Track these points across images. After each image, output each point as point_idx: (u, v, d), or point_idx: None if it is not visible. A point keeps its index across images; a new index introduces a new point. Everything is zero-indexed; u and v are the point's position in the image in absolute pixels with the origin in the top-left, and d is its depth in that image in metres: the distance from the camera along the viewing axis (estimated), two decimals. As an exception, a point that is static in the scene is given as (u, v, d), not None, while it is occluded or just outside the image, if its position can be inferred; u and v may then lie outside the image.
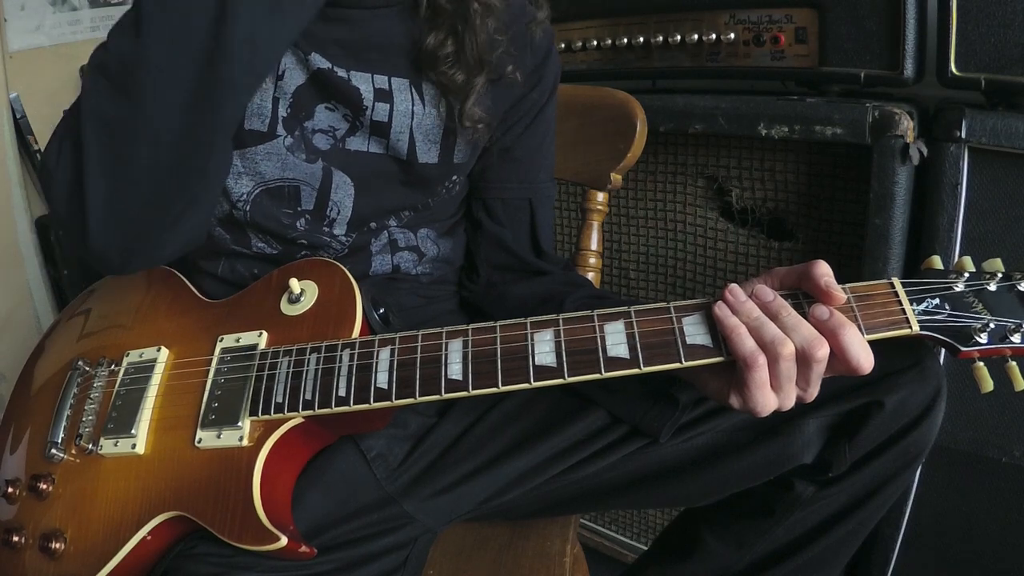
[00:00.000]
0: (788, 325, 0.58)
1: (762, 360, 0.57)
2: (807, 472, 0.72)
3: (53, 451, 0.70)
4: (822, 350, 0.57)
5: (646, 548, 1.27)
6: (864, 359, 0.57)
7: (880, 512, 0.75)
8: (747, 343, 0.58)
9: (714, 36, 1.15)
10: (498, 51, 0.79)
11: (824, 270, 0.60)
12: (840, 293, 0.59)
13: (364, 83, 0.78)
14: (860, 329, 0.59)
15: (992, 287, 0.61)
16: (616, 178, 1.02)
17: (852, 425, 0.69)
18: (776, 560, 0.78)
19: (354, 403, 0.63)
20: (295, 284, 0.73)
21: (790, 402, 0.59)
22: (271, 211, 0.81)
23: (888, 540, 1.13)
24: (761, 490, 0.74)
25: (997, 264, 0.64)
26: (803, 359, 0.57)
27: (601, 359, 0.60)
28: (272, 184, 0.79)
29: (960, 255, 1.01)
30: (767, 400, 0.58)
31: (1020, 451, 1.02)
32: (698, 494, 0.77)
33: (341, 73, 0.77)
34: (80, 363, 0.76)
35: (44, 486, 0.69)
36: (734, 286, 0.61)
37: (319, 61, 0.76)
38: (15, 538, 0.68)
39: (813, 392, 0.59)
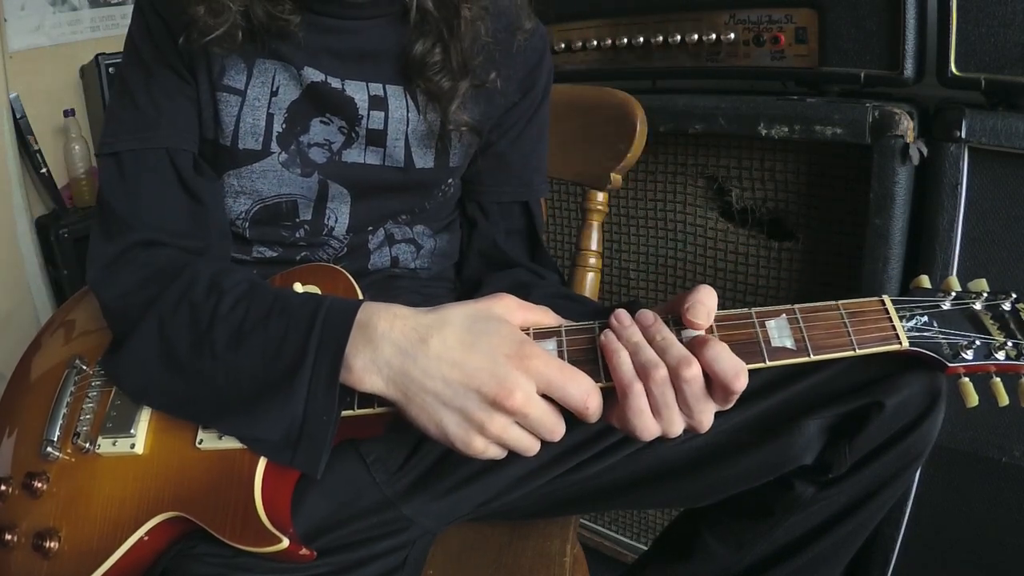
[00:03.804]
0: (661, 348, 0.58)
1: (638, 388, 0.57)
2: (807, 473, 0.72)
3: (49, 449, 0.70)
4: (689, 370, 0.56)
5: (646, 548, 1.27)
6: (732, 376, 0.56)
7: (880, 513, 0.75)
8: (625, 369, 0.58)
9: (714, 36, 1.15)
10: (480, 57, 0.79)
11: (696, 297, 0.60)
12: (700, 320, 0.59)
13: (359, 92, 0.78)
14: (852, 344, 0.61)
15: (977, 306, 0.65)
16: (616, 178, 1.02)
17: (852, 426, 0.69)
18: (776, 561, 0.78)
19: (358, 407, 0.63)
20: (299, 288, 0.73)
21: (675, 428, 0.58)
22: (270, 226, 0.82)
23: (888, 540, 1.13)
24: (761, 491, 0.74)
25: (982, 284, 0.67)
26: (674, 380, 0.57)
27: (602, 371, 0.61)
28: (270, 201, 0.80)
29: (960, 255, 1.01)
30: (646, 426, 0.58)
31: (1020, 451, 1.02)
32: (698, 495, 0.77)
33: (335, 84, 0.77)
34: (77, 361, 0.76)
35: (38, 484, 0.68)
36: (620, 311, 0.61)
37: (312, 75, 0.77)
38: (7, 536, 0.67)
39: (702, 419, 0.58)
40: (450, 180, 0.87)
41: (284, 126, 0.78)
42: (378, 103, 0.79)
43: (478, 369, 0.57)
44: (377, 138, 0.80)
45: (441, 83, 0.77)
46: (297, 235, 0.82)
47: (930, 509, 1.10)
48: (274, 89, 0.77)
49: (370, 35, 0.78)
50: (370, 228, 0.85)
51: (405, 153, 0.81)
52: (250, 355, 0.63)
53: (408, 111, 0.80)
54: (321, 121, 0.79)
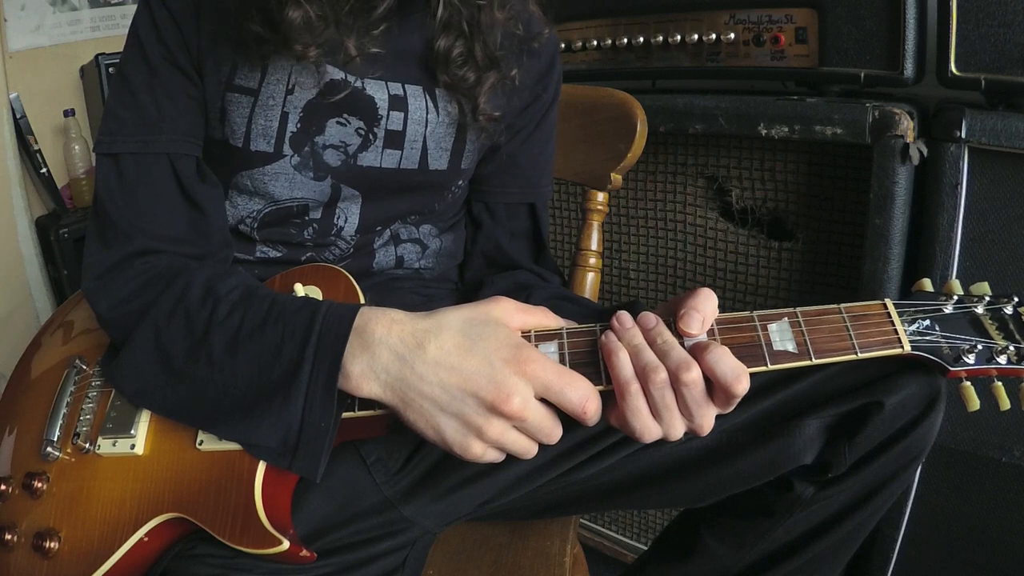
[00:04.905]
0: (662, 351, 0.58)
1: (635, 388, 0.57)
2: (807, 473, 0.72)
3: (49, 449, 0.70)
4: (689, 373, 0.56)
5: (646, 548, 1.27)
6: (733, 379, 0.56)
7: (880, 512, 0.75)
8: (624, 369, 0.58)
9: (714, 36, 1.15)
10: (505, 53, 0.79)
11: (691, 303, 0.59)
12: (692, 329, 0.59)
13: (379, 91, 0.77)
14: (854, 347, 0.61)
15: (979, 310, 0.65)
16: (616, 178, 1.02)
17: (852, 426, 0.69)
18: (776, 560, 0.78)
19: (359, 409, 0.63)
20: (299, 289, 0.72)
21: (676, 431, 0.58)
22: (279, 227, 0.81)
23: (888, 540, 1.13)
24: (761, 491, 0.74)
25: (984, 288, 0.67)
26: (674, 383, 0.57)
27: (603, 374, 0.61)
28: (282, 204, 0.79)
29: (960, 255, 1.01)
30: (645, 426, 0.58)
31: (1020, 451, 1.02)
32: (698, 495, 0.77)
33: (355, 83, 0.76)
34: (77, 361, 0.76)
35: (39, 484, 0.69)
36: (622, 313, 0.61)
37: (332, 72, 0.75)
38: (7, 536, 0.67)
39: (702, 423, 0.58)
40: (460, 181, 0.87)
41: (299, 126, 0.76)
42: (398, 103, 0.78)
43: (475, 374, 0.57)
44: (395, 139, 0.79)
45: (466, 75, 0.77)
46: (305, 234, 0.81)
47: (930, 509, 1.10)
48: (290, 87, 0.75)
49: (393, 34, 0.77)
50: (378, 228, 0.85)
51: (421, 155, 0.81)
52: (247, 362, 0.63)
53: (427, 112, 0.80)
54: (338, 122, 0.77)
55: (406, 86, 0.79)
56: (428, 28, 0.77)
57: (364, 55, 0.72)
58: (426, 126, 0.80)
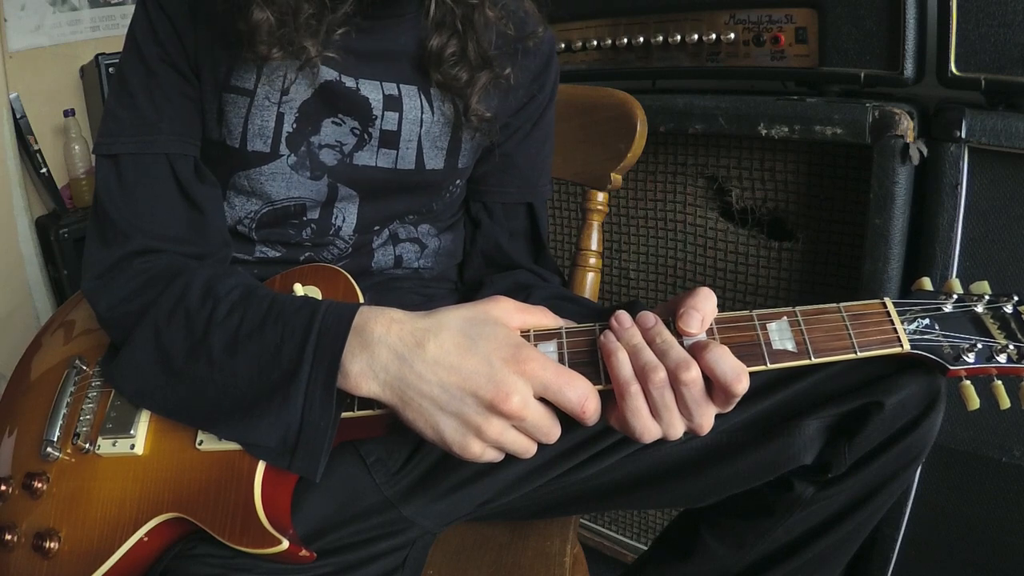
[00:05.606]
0: (661, 350, 0.58)
1: (634, 388, 0.57)
2: (807, 473, 0.72)
3: (49, 449, 0.70)
4: (688, 373, 0.56)
5: (646, 548, 1.27)
6: (733, 378, 0.56)
7: (880, 512, 0.75)
8: (623, 370, 0.58)
9: (714, 36, 1.15)
10: (496, 52, 0.79)
11: (690, 302, 0.59)
12: (691, 328, 0.58)
13: (373, 92, 0.78)
14: (853, 346, 0.61)
15: (979, 308, 0.65)
16: (616, 178, 1.02)
17: (852, 426, 0.69)
18: (776, 560, 0.78)
19: (358, 408, 0.63)
20: (299, 289, 0.72)
21: (676, 431, 0.58)
22: (277, 227, 0.81)
23: (888, 540, 1.13)
24: (761, 491, 0.74)
25: (984, 287, 0.67)
26: (674, 383, 0.57)
27: (602, 374, 0.61)
28: (279, 204, 0.80)
29: (960, 255, 1.01)
30: (645, 427, 0.58)
31: (1020, 451, 1.02)
32: (698, 495, 0.77)
33: (349, 83, 0.77)
34: (77, 361, 0.76)
35: (38, 484, 0.69)
36: (621, 312, 0.61)
37: (326, 73, 0.76)
38: (7, 537, 0.67)
39: (702, 422, 0.58)
40: (457, 181, 0.87)
41: (295, 126, 0.77)
42: (392, 103, 0.79)
43: (474, 373, 0.57)
44: (390, 139, 0.80)
45: (459, 75, 0.77)
46: (304, 234, 0.82)
47: (930, 509, 1.10)
48: (285, 87, 0.76)
49: (386, 34, 0.78)
50: (376, 228, 0.85)
51: (417, 154, 0.81)
52: (246, 362, 0.63)
53: (422, 112, 0.80)
54: (333, 122, 0.78)
55: (400, 86, 0.79)
56: (422, 28, 0.77)
57: (327, 57, 0.73)
58: (421, 126, 0.80)
